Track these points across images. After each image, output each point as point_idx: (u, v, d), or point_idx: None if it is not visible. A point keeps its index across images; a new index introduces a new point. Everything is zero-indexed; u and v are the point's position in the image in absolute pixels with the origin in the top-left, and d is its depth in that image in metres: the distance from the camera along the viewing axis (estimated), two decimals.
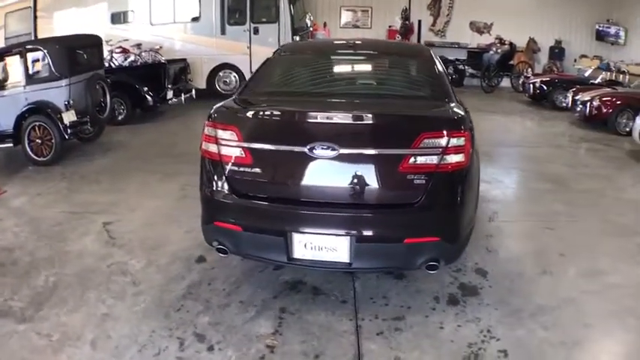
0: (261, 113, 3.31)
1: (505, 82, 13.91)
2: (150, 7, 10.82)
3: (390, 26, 14.91)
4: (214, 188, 3.22)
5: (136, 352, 2.92)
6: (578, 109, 9.58)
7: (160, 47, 9.81)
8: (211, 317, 3.26)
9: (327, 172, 3.01)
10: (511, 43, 13.93)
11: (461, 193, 3.09)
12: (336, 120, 3.11)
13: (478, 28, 15.29)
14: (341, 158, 2.96)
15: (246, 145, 3.09)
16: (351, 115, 3.14)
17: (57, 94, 6.36)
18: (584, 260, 4.16)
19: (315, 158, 2.97)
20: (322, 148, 2.94)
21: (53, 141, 6.26)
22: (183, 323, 3.19)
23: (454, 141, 2.96)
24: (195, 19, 10.76)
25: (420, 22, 14.88)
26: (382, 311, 3.36)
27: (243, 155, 3.09)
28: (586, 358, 3.01)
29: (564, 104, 10.90)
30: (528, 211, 5.30)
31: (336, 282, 3.70)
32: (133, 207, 5.11)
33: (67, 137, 6.30)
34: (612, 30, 13.84)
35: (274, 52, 4.33)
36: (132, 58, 9.65)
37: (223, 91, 11.07)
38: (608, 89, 9.81)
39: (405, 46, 4.95)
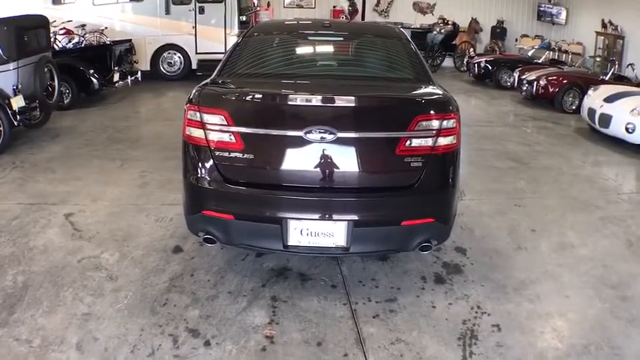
0: (253, 96, 3.15)
1: (447, 62, 14.24)
2: None
3: (334, 6, 14.84)
4: (201, 175, 3.05)
5: (129, 352, 2.74)
6: (525, 88, 9.96)
7: (105, 28, 9.22)
8: (201, 310, 3.12)
9: (323, 157, 2.93)
10: (454, 24, 14.26)
11: (452, 174, 3.14)
12: (331, 103, 3.03)
13: (421, 9, 15.54)
14: (338, 142, 2.89)
15: (236, 129, 2.94)
16: (346, 98, 3.06)
17: (5, 78, 5.85)
18: (554, 235, 4.39)
19: (312, 142, 2.89)
20: (319, 132, 2.87)
21: (1, 128, 5.74)
22: (172, 318, 3.04)
23: (446, 123, 3.00)
24: None
25: (364, 2, 14.87)
26: (374, 294, 3.37)
27: (234, 140, 2.95)
28: (572, 328, 3.15)
29: (508, 83, 11.31)
30: (494, 189, 5.47)
31: (321, 266, 3.66)
32: (94, 196, 4.80)
33: (16, 124, 5.80)
34: (554, 10, 14.46)
35: (246, 32, 4.13)
36: (76, 39, 9.01)
37: (168, 73, 10.65)
38: (554, 69, 10.25)
39: (379, 27, 4.90)
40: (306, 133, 2.87)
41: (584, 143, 7.61)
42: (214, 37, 10.56)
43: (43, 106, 6.37)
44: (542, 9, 14.80)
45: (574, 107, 9.32)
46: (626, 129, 7.07)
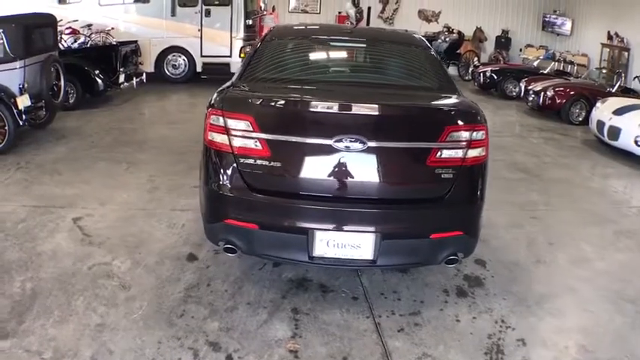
0: (280, 102, 3.05)
1: (452, 71, 14.20)
2: None
3: (339, 12, 14.80)
4: (224, 183, 2.95)
5: None
6: (531, 98, 9.92)
7: (112, 29, 9.08)
8: (221, 322, 3.00)
9: (353, 166, 2.85)
10: (459, 32, 14.23)
11: (481, 186, 3.09)
12: (361, 111, 2.95)
13: (426, 17, 15.53)
14: (368, 151, 2.81)
15: (263, 136, 2.84)
16: (377, 106, 2.99)
17: (11, 76, 5.69)
18: (571, 248, 4.36)
19: (341, 151, 2.80)
20: (349, 141, 2.78)
21: (6, 128, 5.59)
22: (191, 331, 2.91)
23: (476, 134, 2.96)
24: (145, 0, 10.14)
25: (369, 8, 14.86)
26: (397, 307, 3.29)
27: (260, 147, 2.84)
28: (595, 342, 3.09)
29: (514, 93, 11.28)
30: (507, 201, 5.39)
31: (342, 278, 3.56)
32: (102, 200, 4.67)
33: (21, 124, 5.65)
34: (559, 21, 14.46)
35: (265, 36, 4.03)
36: (82, 39, 8.87)
37: (172, 75, 10.53)
38: (561, 80, 10.21)
39: (400, 33, 4.83)
40: (335, 142, 2.78)
41: (593, 155, 7.57)
42: (220, 40, 10.46)
43: (49, 106, 6.23)
44: (547, 19, 14.81)
45: (580, 119, 9.28)
46: (635, 142, 7.03)
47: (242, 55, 10.68)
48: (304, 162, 2.88)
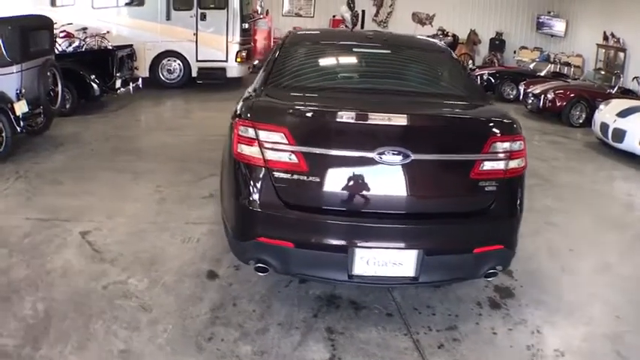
0: (317, 113, 2.88)
1: None
2: None
3: (333, 16, 14.65)
4: (257, 198, 2.76)
5: None
6: (530, 101, 9.89)
7: (107, 32, 8.82)
8: (253, 345, 2.82)
9: (396, 180, 2.71)
10: (454, 35, 14.21)
11: (521, 197, 3.00)
12: (405, 123, 2.82)
13: (420, 20, 15.49)
14: (412, 164, 2.67)
15: (299, 149, 2.67)
16: (420, 117, 2.89)
17: (8, 81, 5.44)
18: (592, 255, 4.35)
19: (384, 164, 2.66)
20: (393, 154, 2.64)
21: (3, 135, 5.33)
22: (222, 356, 2.73)
23: (516, 145, 2.87)
24: (139, 3, 9.94)
25: (363, 12, 14.74)
26: (433, 322, 3.17)
27: (297, 161, 2.68)
28: (630, 349, 3.04)
29: (511, 96, 11.26)
30: (527, 207, 5.27)
31: (372, 294, 3.40)
32: (109, 212, 4.44)
33: (19, 130, 5.40)
34: (553, 22, 14.52)
35: (284, 41, 3.86)
36: (77, 43, 8.60)
37: (167, 80, 10.31)
38: (560, 82, 10.21)
39: (420, 39, 4.73)
40: (379, 155, 2.64)
41: (598, 158, 7.56)
42: (215, 44, 10.27)
43: (47, 113, 5.97)
44: (541, 20, 14.86)
45: (581, 121, 9.27)
46: None
47: (238, 59, 10.53)
48: (344, 176, 2.71)
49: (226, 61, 10.43)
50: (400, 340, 2.97)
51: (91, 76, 7.37)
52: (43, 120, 6.08)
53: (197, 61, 10.26)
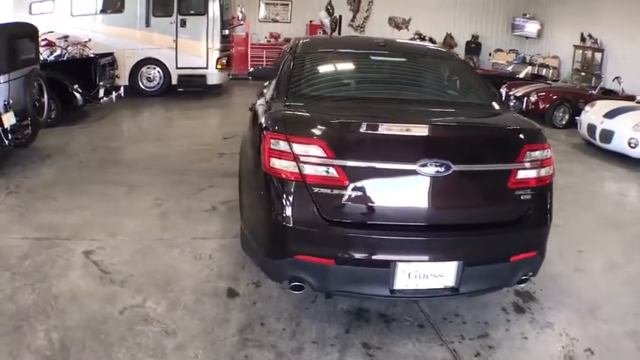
0: (355, 125, 2.79)
1: None
2: None
3: (310, 21, 14.59)
4: (294, 215, 2.64)
5: None
6: (512, 103, 10.01)
7: (89, 40, 8.53)
8: None
9: (437, 192, 2.66)
10: (431, 39, 14.36)
11: (551, 204, 3.01)
12: (445, 134, 2.82)
13: (397, 24, 15.59)
14: (453, 176, 2.63)
15: (339, 162, 2.58)
16: (459, 127, 2.91)
17: None
18: (600, 255, 4.43)
19: (426, 176, 2.61)
20: (435, 165, 2.59)
21: None
22: None
23: (546, 153, 2.91)
24: (118, 10, 9.66)
25: (340, 17, 14.74)
26: (464, 330, 3.14)
27: (337, 175, 2.58)
28: None
29: None
30: None
31: (399, 305, 3.32)
32: (110, 230, 4.21)
33: (7, 143, 5.08)
34: (528, 24, 14.82)
35: (296, 49, 3.75)
36: (58, 52, 8.26)
37: (146, 89, 10.04)
38: (542, 84, 10.39)
39: (431, 47, 4.73)
40: (420, 167, 2.58)
41: (586, 159, 7.70)
42: (196, 51, 10.09)
43: (34, 124, 5.66)
44: (516, 23, 15.15)
45: (564, 122, 9.44)
46: (629, 144, 7.17)
47: (219, 66, 10.36)
48: (386, 189, 2.66)
49: (206, 67, 10.27)
50: (437, 351, 2.92)
51: (74, 85, 7.06)
52: (31, 132, 5.76)
53: (177, 68, 10.05)
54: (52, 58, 7.95)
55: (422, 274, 2.68)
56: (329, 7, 14.09)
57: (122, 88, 8.42)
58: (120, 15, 9.63)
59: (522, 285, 3.22)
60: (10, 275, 3.43)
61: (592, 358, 2.96)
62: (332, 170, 2.58)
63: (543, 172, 2.87)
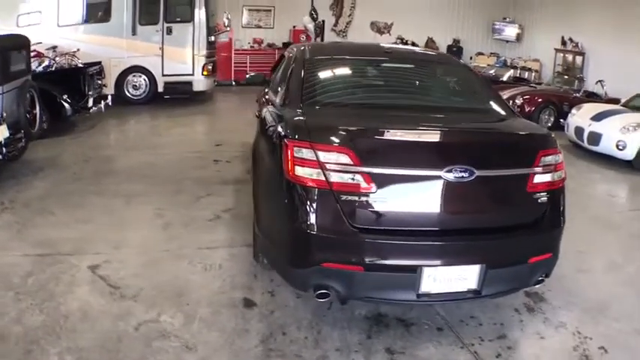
0: (380, 132, 2.82)
1: None
2: (58, 7, 9.36)
3: (294, 26, 14.58)
4: (321, 223, 2.64)
5: None
6: None
7: (78, 50, 8.37)
8: None
9: (462, 197, 2.74)
10: (413, 43, 14.48)
11: (564, 205, 3.09)
12: (467, 139, 2.90)
13: (379, 28, 15.67)
14: (476, 181, 2.69)
15: (367, 170, 2.60)
16: (481, 134, 3.01)
17: None
18: (599, 255, 4.53)
19: (451, 182, 2.66)
20: (460, 171, 2.64)
21: None
22: None
23: (558, 157, 3.00)
24: (104, 19, 9.53)
25: (323, 22, 14.78)
26: (482, 332, 3.18)
27: (364, 182, 2.59)
28: None
29: None
30: None
31: (415, 309, 3.34)
32: (114, 243, 4.11)
33: (0, 157, 4.93)
34: (507, 27, 15.08)
35: (304, 55, 3.74)
36: (46, 62, 8.09)
37: (133, 97, 9.90)
38: (527, 87, 10.57)
39: (435, 53, 4.81)
40: (446, 172, 2.62)
41: (575, 161, 7.84)
42: (182, 58, 10.01)
43: (27, 136, 5.51)
44: (496, 27, 15.40)
45: (549, 124, 9.62)
46: (617, 146, 7.34)
47: (205, 72, 10.29)
48: (413, 195, 2.69)
49: (192, 74, 10.19)
50: (459, 353, 2.96)
51: (63, 95, 6.91)
52: (24, 144, 5.60)
53: (163, 75, 9.95)
54: (40, 68, 7.78)
55: (446, 277, 2.72)
56: (313, 13, 14.10)
57: (110, 97, 8.27)
58: (106, 24, 9.50)
59: (537, 286, 3.27)
60: (13, 295, 3.30)
61: (606, 356, 3.02)
62: (359, 177, 2.59)
63: (557, 175, 2.96)
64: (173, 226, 4.52)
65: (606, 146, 7.47)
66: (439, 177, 2.64)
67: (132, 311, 3.19)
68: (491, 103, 3.56)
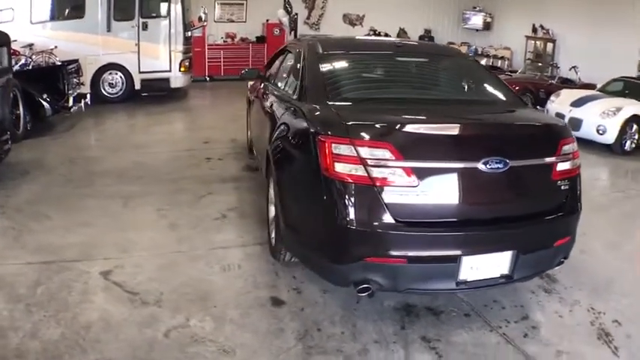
0: (419, 126, 2.86)
1: None
2: (30, 4, 8.96)
3: (267, 20, 14.41)
4: (364, 218, 2.65)
5: None
6: None
7: (55, 47, 8.01)
8: None
9: (497, 187, 2.84)
10: (386, 34, 14.54)
11: (580, 191, 3.22)
12: (501, 131, 3.00)
13: (351, 20, 15.66)
14: (510, 171, 2.77)
15: (408, 164, 2.62)
16: (512, 126, 3.11)
17: None
18: (597, 236, 4.69)
19: (487, 173, 2.72)
20: (496, 162, 2.71)
21: None
22: None
23: (574, 146, 3.13)
24: (79, 16, 9.16)
25: (296, 14, 14.64)
26: (507, 315, 3.29)
27: (406, 176, 2.62)
28: None
29: None
30: None
31: (440, 298, 3.39)
32: (121, 246, 3.97)
33: None
34: (476, 16, 15.32)
35: (314, 50, 3.72)
36: (23, 61, 7.69)
37: (109, 95, 9.59)
38: (503, 75, 10.74)
39: (442, 46, 4.90)
40: (483, 164, 2.69)
41: None
42: (158, 54, 9.74)
43: (13, 138, 5.24)
44: (466, 16, 15.62)
45: None
46: (597, 131, 7.60)
47: (182, 68, 10.06)
48: (453, 187, 2.73)
49: (170, 71, 9.94)
50: (489, 336, 3.05)
51: (42, 95, 6.61)
52: (10, 146, 5.32)
53: (140, 72, 9.66)
54: (17, 67, 7.40)
55: (482, 265, 2.79)
56: (287, 6, 13.94)
57: (89, 96, 7.97)
58: (80, 20, 9.12)
59: (558, 267, 3.38)
60: (24, 307, 3.10)
61: (620, 328, 3.20)
62: (400, 171, 2.62)
63: (574, 163, 3.09)
64: (180, 226, 4.41)
65: (587, 131, 7.71)
66: (476, 169, 2.70)
67: (157, 317, 3.07)
68: (506, 94, 3.65)
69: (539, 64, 12.09)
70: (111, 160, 6.32)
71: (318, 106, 3.06)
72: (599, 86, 9.00)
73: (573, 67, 10.56)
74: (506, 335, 3.06)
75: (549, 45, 12.94)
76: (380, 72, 3.80)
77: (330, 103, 3.08)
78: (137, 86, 9.74)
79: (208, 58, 13.65)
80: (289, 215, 3.19)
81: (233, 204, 4.95)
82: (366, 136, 2.66)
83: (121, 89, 9.64)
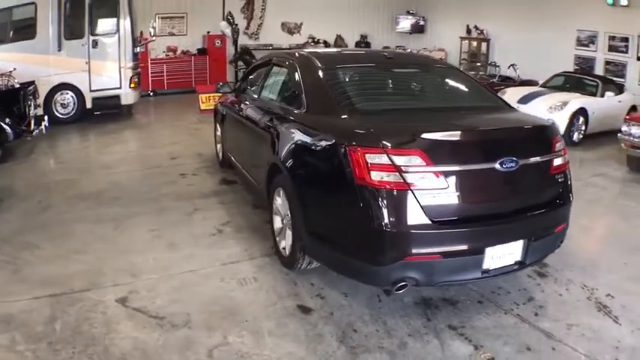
0: (443, 134, 3.11)
1: None
2: None
3: (208, 32, 14.30)
4: (402, 221, 2.89)
5: None
6: None
7: (14, 69, 7.57)
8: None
9: (511, 184, 3.18)
10: (325, 42, 14.88)
11: (571, 183, 3.63)
12: (511, 134, 3.35)
13: (289, 29, 15.81)
14: (520, 169, 3.12)
15: (438, 168, 2.91)
16: (519, 129, 3.47)
17: None
18: (573, 222, 4.81)
19: (503, 172, 3.06)
20: (510, 162, 3.06)
21: None
22: None
23: (563, 143, 3.53)
24: (30, 37, 8.79)
25: (237, 25, 14.64)
26: (515, 299, 3.64)
27: (437, 179, 2.91)
28: None
29: None
30: None
31: (450, 289, 3.68)
32: (128, 271, 3.89)
33: None
34: (405, 20, 15.96)
35: (317, 66, 3.94)
36: None
37: (61, 115, 9.25)
38: None
39: (428, 57, 5.29)
40: (499, 164, 3.03)
41: None
42: (109, 72, 9.50)
43: None
44: (400, 20, 16.25)
45: None
46: None
47: (132, 85, 9.85)
48: (475, 186, 3.06)
49: (120, 87, 9.71)
50: (506, 318, 3.37)
51: (5, 119, 6.29)
52: None
53: (91, 91, 9.37)
54: None
55: (501, 254, 3.12)
56: (229, 17, 13.90)
57: (47, 118, 7.64)
58: (32, 41, 8.74)
59: (556, 250, 3.74)
60: (47, 346, 2.95)
61: (614, 300, 3.61)
62: (431, 175, 2.89)
63: (565, 159, 3.49)
64: (179, 245, 4.38)
65: None
66: (494, 169, 3.03)
67: (193, 339, 3.09)
68: (496, 99, 4.06)
69: (478, 64, 12.80)
70: (84, 182, 6.12)
71: (341, 119, 3.31)
72: (540, 82, 9.70)
73: (512, 65, 11.31)
74: (520, 315, 3.40)
75: (484, 45, 13.75)
76: (381, 84, 4.08)
77: (350, 115, 3.34)
78: (89, 105, 9.44)
79: (152, 73, 13.37)
80: (315, 224, 3.34)
81: (225, 218, 4.98)
82: (399, 146, 2.91)
83: (72, 109, 9.31)
